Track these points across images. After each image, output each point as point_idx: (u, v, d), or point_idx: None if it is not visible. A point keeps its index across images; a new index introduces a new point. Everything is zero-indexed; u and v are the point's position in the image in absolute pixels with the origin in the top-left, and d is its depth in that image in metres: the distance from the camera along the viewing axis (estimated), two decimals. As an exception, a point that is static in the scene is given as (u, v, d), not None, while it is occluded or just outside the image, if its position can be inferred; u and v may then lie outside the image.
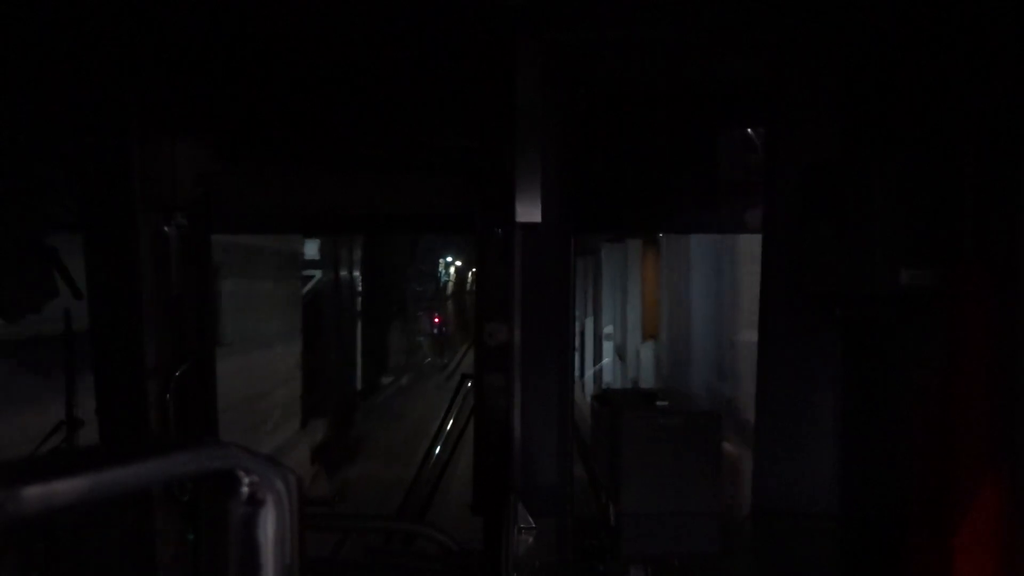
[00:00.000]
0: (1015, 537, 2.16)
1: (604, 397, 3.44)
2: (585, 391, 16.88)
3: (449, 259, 34.57)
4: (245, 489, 0.78)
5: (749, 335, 7.09)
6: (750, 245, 6.79)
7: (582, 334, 20.30)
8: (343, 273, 17.57)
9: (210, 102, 3.75)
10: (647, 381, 14.16)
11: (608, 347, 18.59)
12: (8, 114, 2.95)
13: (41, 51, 2.66)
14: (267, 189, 4.18)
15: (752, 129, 3.94)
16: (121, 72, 3.30)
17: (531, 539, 2.87)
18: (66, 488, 0.65)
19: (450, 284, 36.71)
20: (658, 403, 2.99)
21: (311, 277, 15.73)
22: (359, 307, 19.07)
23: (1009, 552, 2.18)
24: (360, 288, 19.09)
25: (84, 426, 3.81)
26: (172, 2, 2.87)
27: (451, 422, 6.00)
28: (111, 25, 2.98)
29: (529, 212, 2.93)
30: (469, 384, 5.48)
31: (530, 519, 2.92)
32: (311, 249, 15.79)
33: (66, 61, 3.02)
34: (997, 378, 2.22)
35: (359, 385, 18.32)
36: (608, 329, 18.67)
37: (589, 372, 19.54)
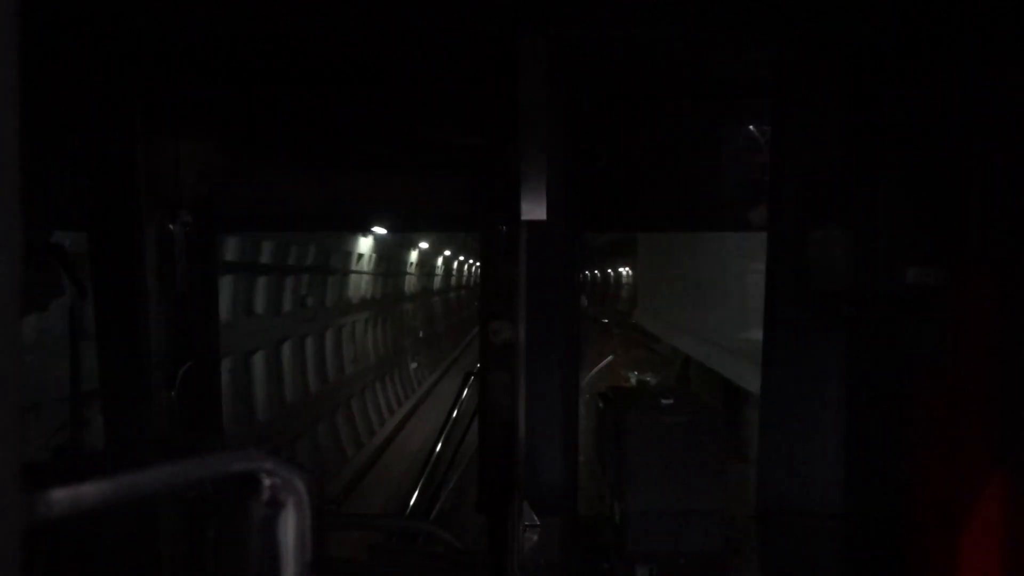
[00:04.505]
0: (1019, 535, 2.16)
1: (608, 395, 3.44)
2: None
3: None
4: (266, 491, 0.79)
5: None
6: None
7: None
8: None
9: (215, 101, 3.76)
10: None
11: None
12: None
13: (47, 51, 2.66)
14: (271, 187, 4.18)
15: (757, 128, 3.94)
16: (127, 72, 3.31)
17: (536, 537, 2.87)
18: (92, 491, 0.66)
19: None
20: (663, 401, 2.99)
21: None
22: None
23: (1014, 550, 2.18)
24: None
25: (89, 424, 3.82)
26: (177, 3, 2.88)
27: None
28: (117, 25, 2.99)
29: (534, 210, 2.93)
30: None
31: (535, 517, 2.92)
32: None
33: (72, 61, 3.03)
34: (1002, 377, 2.22)
35: None
36: None
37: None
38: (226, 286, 11.80)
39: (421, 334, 30.73)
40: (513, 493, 2.92)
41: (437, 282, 36.56)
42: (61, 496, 0.64)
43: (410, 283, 29.13)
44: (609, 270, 62.14)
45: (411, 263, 28.15)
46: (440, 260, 35.42)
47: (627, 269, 56.35)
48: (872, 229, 2.57)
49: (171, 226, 3.67)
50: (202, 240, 3.88)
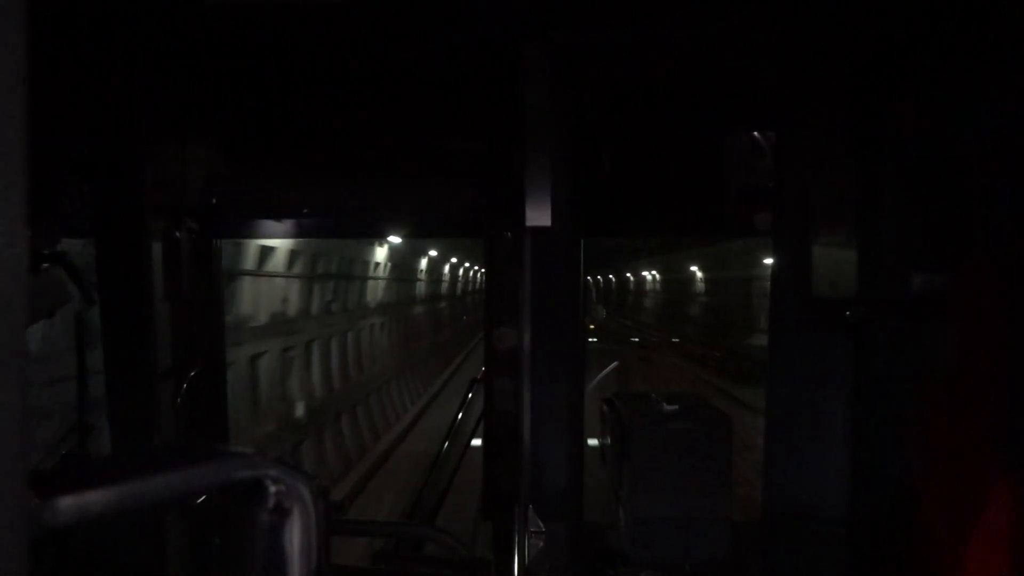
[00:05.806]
0: (1027, 542, 2.15)
1: (614, 401, 3.43)
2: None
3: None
4: (272, 498, 0.79)
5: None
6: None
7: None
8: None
9: (219, 108, 3.77)
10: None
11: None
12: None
13: (51, 57, 2.67)
14: (276, 194, 4.19)
15: (761, 133, 3.94)
16: (131, 79, 3.32)
17: (541, 544, 2.87)
18: (99, 498, 0.66)
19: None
20: (667, 408, 2.98)
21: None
22: None
23: (1020, 557, 2.17)
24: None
25: (95, 431, 3.83)
26: (181, 10, 2.89)
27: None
28: (121, 32, 3.00)
29: (539, 216, 2.93)
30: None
31: (540, 524, 2.91)
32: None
33: (77, 69, 3.04)
34: (1008, 382, 2.22)
35: None
36: None
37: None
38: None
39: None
40: (518, 499, 2.91)
41: (380, 292, 22.52)
42: (68, 503, 0.64)
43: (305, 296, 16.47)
44: (628, 274, 58.95)
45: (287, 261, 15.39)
46: (383, 257, 22.20)
47: (654, 273, 53.12)
48: (877, 234, 2.57)
49: (176, 233, 3.68)
50: (207, 247, 3.89)
